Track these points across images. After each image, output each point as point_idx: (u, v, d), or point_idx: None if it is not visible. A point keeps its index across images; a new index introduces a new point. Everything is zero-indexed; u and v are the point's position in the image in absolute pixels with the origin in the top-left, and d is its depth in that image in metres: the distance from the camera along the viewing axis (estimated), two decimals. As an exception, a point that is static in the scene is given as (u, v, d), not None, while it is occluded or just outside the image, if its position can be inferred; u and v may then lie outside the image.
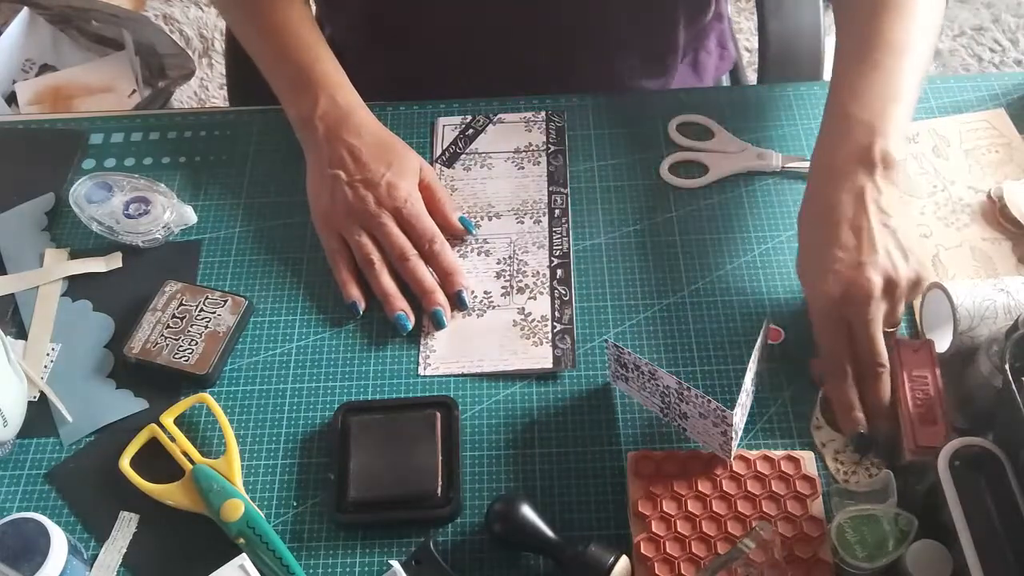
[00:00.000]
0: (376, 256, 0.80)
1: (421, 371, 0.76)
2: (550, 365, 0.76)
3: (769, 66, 1.04)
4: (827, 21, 1.04)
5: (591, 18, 0.95)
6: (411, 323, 0.78)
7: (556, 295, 0.80)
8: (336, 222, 0.81)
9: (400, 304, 0.78)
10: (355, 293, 0.79)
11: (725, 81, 1.16)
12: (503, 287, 0.81)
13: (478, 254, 0.83)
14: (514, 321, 0.79)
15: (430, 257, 0.80)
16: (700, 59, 1.08)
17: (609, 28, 0.96)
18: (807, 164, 0.86)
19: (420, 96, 0.95)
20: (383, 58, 1.01)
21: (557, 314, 0.79)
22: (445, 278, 0.80)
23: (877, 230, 0.70)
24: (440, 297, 0.79)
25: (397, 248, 0.80)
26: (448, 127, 0.92)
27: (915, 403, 0.70)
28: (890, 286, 0.68)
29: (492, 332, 0.78)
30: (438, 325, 0.78)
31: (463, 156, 0.90)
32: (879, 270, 0.68)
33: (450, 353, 0.77)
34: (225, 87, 1.17)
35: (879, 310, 0.68)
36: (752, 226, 0.84)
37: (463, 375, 0.76)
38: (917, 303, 0.76)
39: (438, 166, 0.89)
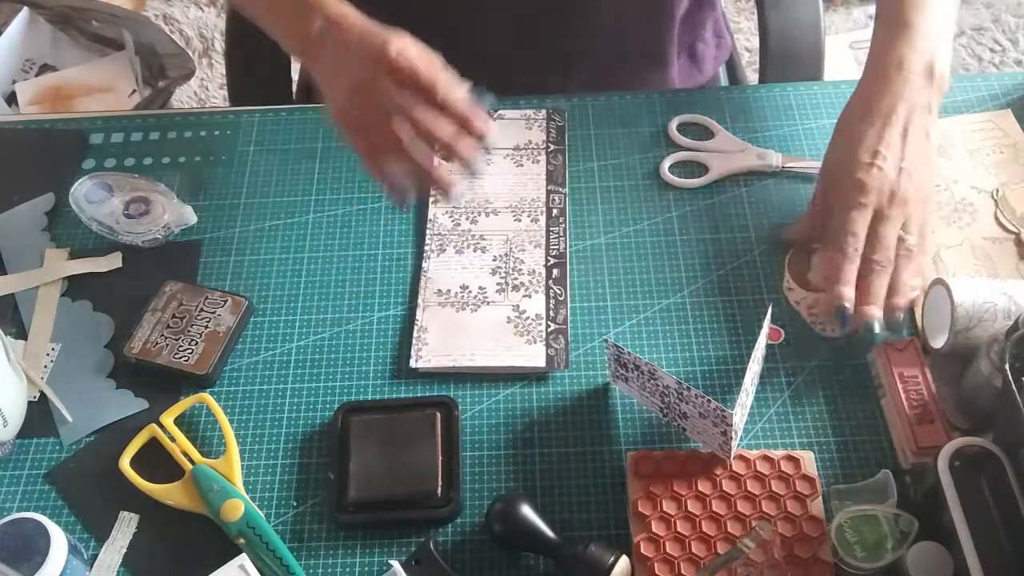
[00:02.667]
0: (406, 129, 0.74)
1: (413, 363, 0.76)
2: (542, 364, 0.76)
3: (770, 65, 1.04)
4: (827, 20, 1.04)
5: (590, 10, 0.94)
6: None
7: (551, 295, 0.80)
8: (352, 113, 0.76)
9: (444, 173, 0.74)
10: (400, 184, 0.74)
11: (723, 74, 1.16)
12: (498, 283, 0.81)
13: (474, 250, 0.83)
14: (508, 318, 0.79)
15: (442, 106, 0.75)
16: (698, 50, 1.08)
17: (607, 21, 0.96)
18: (807, 164, 0.86)
19: None
20: None
21: (552, 314, 0.79)
22: (465, 125, 0.75)
23: (922, 144, 0.74)
24: (468, 144, 0.74)
25: (409, 102, 0.73)
26: (448, 124, 0.92)
27: (911, 404, 0.70)
28: (914, 200, 0.73)
29: (485, 327, 0.78)
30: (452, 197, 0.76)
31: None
32: (915, 181, 0.73)
33: (442, 346, 0.77)
34: (225, 87, 1.17)
35: (903, 215, 0.73)
36: (752, 226, 0.84)
37: (455, 368, 0.76)
38: (919, 300, 0.77)
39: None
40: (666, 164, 0.88)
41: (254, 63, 1.09)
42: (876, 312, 0.73)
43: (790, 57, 1.04)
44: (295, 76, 1.15)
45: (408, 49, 0.75)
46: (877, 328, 0.73)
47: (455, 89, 0.74)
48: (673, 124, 0.91)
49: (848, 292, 0.72)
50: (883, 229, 0.73)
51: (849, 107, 0.77)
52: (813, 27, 1.04)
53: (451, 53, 0.98)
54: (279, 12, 0.82)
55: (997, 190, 0.84)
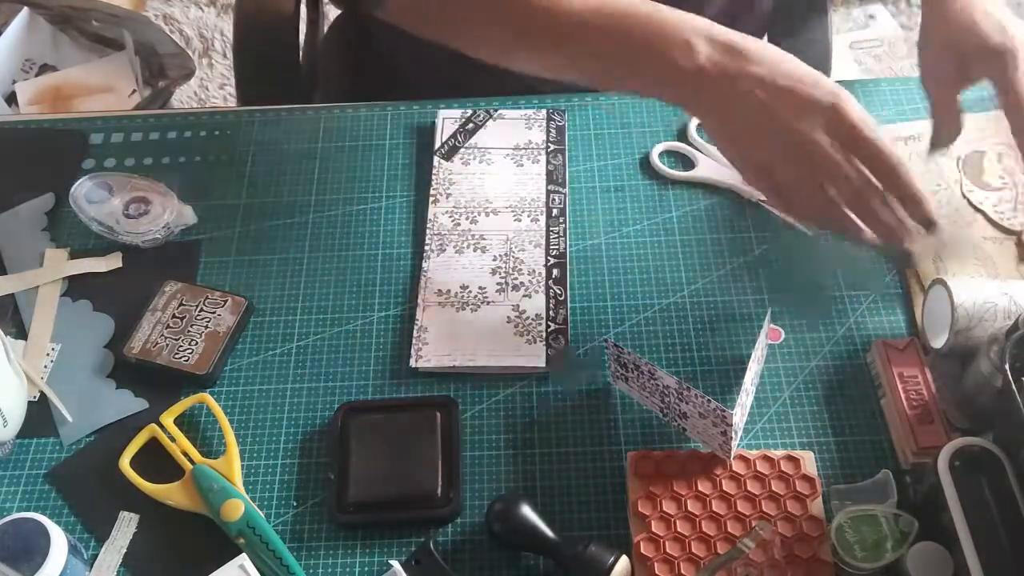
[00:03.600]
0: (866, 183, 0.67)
1: (412, 363, 0.76)
2: (543, 364, 0.76)
3: None
4: (834, 20, 1.04)
5: None
6: None
7: (551, 295, 0.80)
8: (779, 171, 0.67)
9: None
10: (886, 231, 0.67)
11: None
12: (498, 283, 0.81)
13: (474, 250, 0.83)
14: (508, 318, 0.79)
15: (893, 184, 0.67)
16: None
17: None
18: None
19: (422, 89, 0.94)
20: (391, 49, 1.00)
21: (552, 314, 0.79)
22: (914, 207, 0.67)
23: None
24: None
25: (862, 179, 0.66)
26: (448, 120, 0.92)
27: (911, 404, 0.70)
28: None
29: (486, 327, 0.78)
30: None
31: (462, 150, 0.90)
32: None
33: (442, 346, 0.77)
34: (224, 87, 1.17)
35: None
36: (752, 226, 0.84)
37: (455, 368, 0.76)
38: (919, 301, 0.77)
39: (436, 159, 0.89)
40: (656, 151, 0.88)
41: (264, 69, 1.08)
42: None
43: (798, 57, 1.04)
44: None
45: (854, 102, 0.67)
46: None
47: (903, 163, 0.66)
48: (693, 125, 0.90)
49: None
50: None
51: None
52: (821, 30, 1.04)
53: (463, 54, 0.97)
54: (630, 46, 0.69)
55: (959, 158, 0.86)
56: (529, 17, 0.71)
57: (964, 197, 0.83)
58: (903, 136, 0.88)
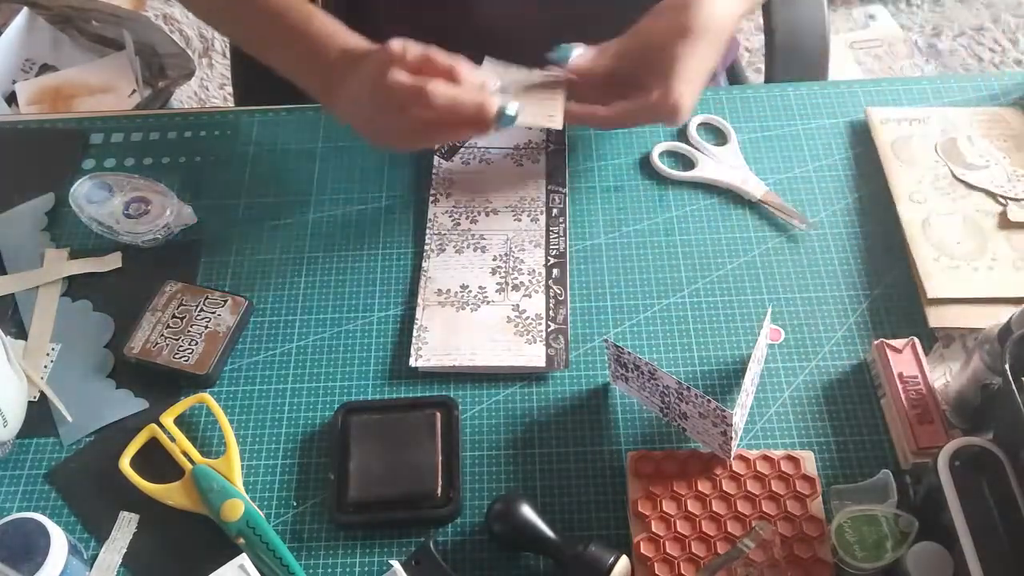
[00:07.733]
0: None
1: (412, 362, 0.76)
2: (543, 364, 0.76)
3: (776, 63, 1.04)
4: (833, 19, 1.04)
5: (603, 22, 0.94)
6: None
7: (551, 295, 0.80)
8: (375, 119, 0.76)
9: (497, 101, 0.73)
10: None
11: (723, 79, 1.16)
12: (498, 283, 0.81)
13: (474, 250, 0.83)
14: (508, 317, 0.79)
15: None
16: None
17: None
18: (783, 207, 0.85)
19: None
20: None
21: (551, 313, 0.79)
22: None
23: None
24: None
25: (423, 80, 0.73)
26: (448, 121, 0.92)
27: (911, 404, 0.70)
28: None
29: (486, 327, 0.78)
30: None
31: (462, 150, 0.90)
32: None
33: (442, 345, 0.77)
34: (224, 87, 1.17)
35: None
36: (752, 226, 0.84)
37: (455, 367, 0.76)
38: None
39: (436, 158, 0.89)
40: (656, 151, 0.88)
41: (260, 71, 1.09)
42: None
43: (797, 54, 1.04)
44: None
45: (409, 42, 0.74)
46: None
47: (469, 69, 0.73)
48: (693, 126, 0.90)
49: None
50: None
51: None
52: (819, 23, 1.04)
53: (470, 36, 0.96)
54: (296, 58, 0.82)
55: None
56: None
57: (959, 180, 0.85)
58: (910, 118, 0.88)
